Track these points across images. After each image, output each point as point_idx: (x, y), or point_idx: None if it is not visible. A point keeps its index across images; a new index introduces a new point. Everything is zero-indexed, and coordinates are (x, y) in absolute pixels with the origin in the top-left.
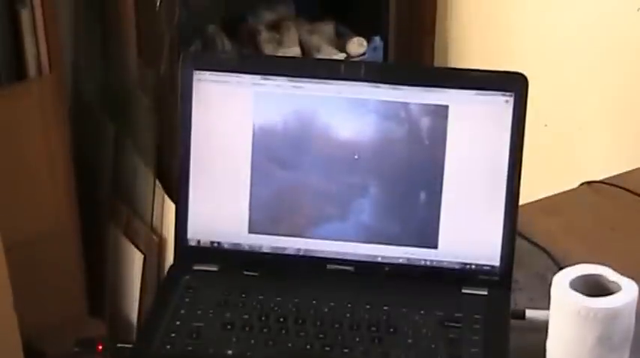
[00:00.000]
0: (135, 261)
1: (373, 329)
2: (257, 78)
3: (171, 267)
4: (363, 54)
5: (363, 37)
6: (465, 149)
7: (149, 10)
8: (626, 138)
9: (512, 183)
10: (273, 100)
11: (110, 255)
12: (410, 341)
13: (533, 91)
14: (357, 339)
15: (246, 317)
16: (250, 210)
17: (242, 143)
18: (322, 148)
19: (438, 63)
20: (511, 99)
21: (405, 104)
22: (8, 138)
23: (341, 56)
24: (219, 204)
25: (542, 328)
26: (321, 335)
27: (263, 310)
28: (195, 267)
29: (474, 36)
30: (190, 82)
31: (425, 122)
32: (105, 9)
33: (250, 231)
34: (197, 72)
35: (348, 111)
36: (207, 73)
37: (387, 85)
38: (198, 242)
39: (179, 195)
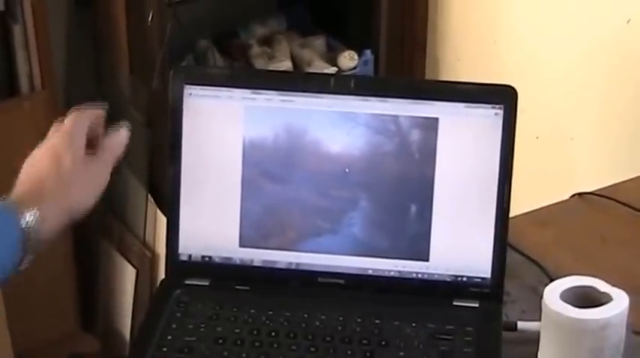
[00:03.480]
0: (127, 275)
1: (365, 342)
2: (247, 92)
3: (163, 281)
4: (354, 67)
5: (355, 50)
6: (455, 161)
7: (140, 25)
8: (617, 149)
9: (503, 195)
10: (264, 114)
11: (103, 270)
12: (402, 354)
13: (524, 104)
14: (349, 352)
15: (237, 331)
16: (241, 224)
17: (232, 157)
18: (313, 162)
19: (429, 76)
20: (501, 112)
21: (395, 117)
22: (0, 154)
23: (332, 70)
24: (210, 218)
25: (534, 340)
26: (312, 349)
27: (254, 324)
28: (187, 282)
29: (464, 49)
30: (181, 96)
31: (415, 135)
32: (96, 25)
33: (241, 245)
34: (187, 86)
35: (338, 125)
36: (198, 87)
37: (376, 99)
38: (190, 256)
39: (170, 209)
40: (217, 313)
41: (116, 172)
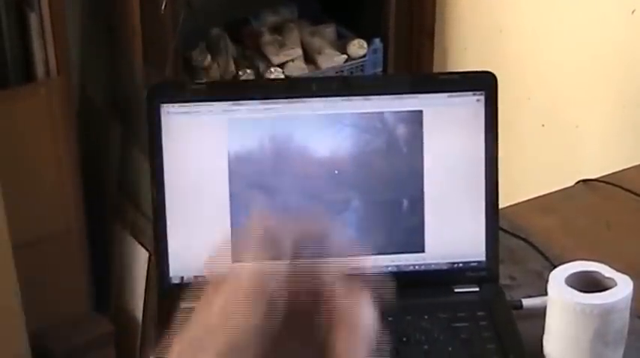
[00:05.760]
0: (140, 258)
1: None
2: (228, 104)
3: (159, 310)
4: (364, 56)
5: (364, 39)
6: (442, 151)
7: (154, 13)
8: (621, 137)
9: (491, 178)
10: (247, 125)
11: (116, 253)
12: (426, 347)
13: (530, 92)
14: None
15: None
16: (232, 238)
17: (218, 172)
18: (301, 167)
19: (437, 65)
20: (482, 98)
21: (380, 114)
22: (16, 139)
23: (342, 58)
24: (200, 237)
25: (539, 315)
26: None
27: None
28: (184, 305)
29: (471, 38)
30: (158, 116)
31: (401, 129)
32: (111, 13)
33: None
34: (164, 105)
35: (323, 128)
36: (176, 105)
37: (360, 97)
38: (182, 278)
39: (156, 233)
40: None
41: (130, 155)
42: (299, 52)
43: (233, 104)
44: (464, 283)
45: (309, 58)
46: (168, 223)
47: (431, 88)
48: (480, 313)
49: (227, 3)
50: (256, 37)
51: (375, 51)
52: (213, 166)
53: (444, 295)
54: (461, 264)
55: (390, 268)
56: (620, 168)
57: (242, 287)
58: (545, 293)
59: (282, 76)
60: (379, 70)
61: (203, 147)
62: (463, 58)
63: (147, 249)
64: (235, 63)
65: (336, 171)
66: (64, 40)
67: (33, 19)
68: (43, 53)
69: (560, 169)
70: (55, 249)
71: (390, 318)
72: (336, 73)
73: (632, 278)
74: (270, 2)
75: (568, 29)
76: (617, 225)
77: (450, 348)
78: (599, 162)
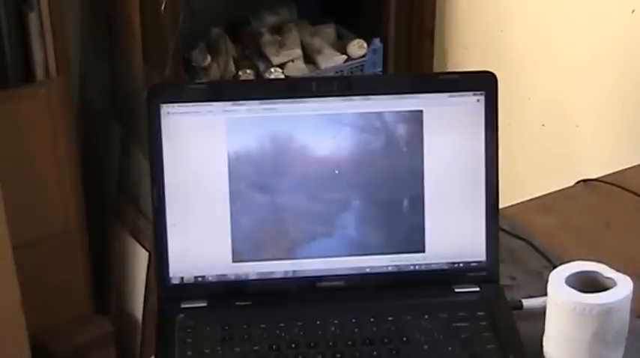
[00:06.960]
0: (140, 258)
1: (386, 341)
2: (228, 105)
3: (159, 309)
4: (364, 56)
5: (364, 39)
6: (442, 151)
7: (154, 13)
8: (621, 136)
9: (491, 178)
10: (247, 125)
11: (116, 254)
12: (426, 347)
13: (530, 92)
14: (375, 353)
15: (256, 348)
16: (232, 239)
17: (218, 172)
18: (301, 167)
19: (437, 64)
20: (482, 98)
21: (380, 114)
22: (16, 140)
23: (342, 58)
24: (200, 237)
25: (539, 315)
26: (338, 355)
27: (271, 339)
28: (184, 305)
29: (472, 38)
30: (158, 117)
31: (401, 129)
32: (111, 13)
33: (234, 260)
34: (164, 106)
35: (323, 128)
36: (176, 105)
37: (360, 97)
38: (182, 279)
39: (156, 233)
40: (229, 333)
41: (130, 155)
42: (299, 52)
43: (233, 104)
44: (464, 283)
45: (309, 58)
46: (168, 223)
47: (431, 88)
48: (479, 313)
49: (227, 3)
50: (256, 37)
51: (374, 51)
52: (213, 166)
53: (444, 295)
54: (461, 264)
55: (390, 268)
56: (620, 168)
57: None
58: (545, 293)
59: (282, 76)
60: (379, 70)
61: (203, 147)
62: (463, 58)
63: (147, 249)
64: (235, 63)
65: (336, 171)
66: (63, 40)
67: (32, 19)
68: (42, 53)
69: (560, 169)
70: (55, 249)
71: (390, 318)
72: (336, 73)
73: (632, 278)
74: (270, 2)
75: (568, 29)
76: (617, 225)
77: (450, 348)
78: (599, 162)
